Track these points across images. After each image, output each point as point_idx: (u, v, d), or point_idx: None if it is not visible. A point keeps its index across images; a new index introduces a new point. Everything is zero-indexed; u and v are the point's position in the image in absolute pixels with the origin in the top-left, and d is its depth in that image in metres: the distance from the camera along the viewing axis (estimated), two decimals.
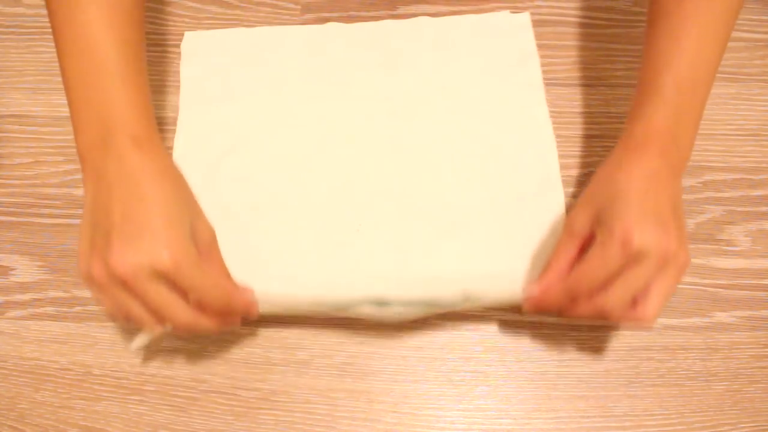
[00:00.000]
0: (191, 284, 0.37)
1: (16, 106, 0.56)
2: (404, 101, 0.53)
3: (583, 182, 0.51)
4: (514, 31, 0.56)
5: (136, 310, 0.38)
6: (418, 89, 0.53)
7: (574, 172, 0.52)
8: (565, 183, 0.51)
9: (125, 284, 0.36)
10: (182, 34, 0.58)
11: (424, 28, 0.57)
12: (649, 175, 0.40)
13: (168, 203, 0.38)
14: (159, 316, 0.38)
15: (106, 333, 0.48)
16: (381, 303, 0.44)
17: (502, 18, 0.56)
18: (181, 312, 0.38)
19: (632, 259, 0.37)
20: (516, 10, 0.57)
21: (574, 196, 0.51)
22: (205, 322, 0.39)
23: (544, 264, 0.44)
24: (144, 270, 0.36)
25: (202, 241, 0.40)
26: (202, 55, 0.56)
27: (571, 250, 0.41)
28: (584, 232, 0.41)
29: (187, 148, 0.52)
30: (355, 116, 0.52)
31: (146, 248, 0.36)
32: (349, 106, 0.53)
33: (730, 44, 0.56)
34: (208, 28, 0.58)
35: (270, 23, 0.58)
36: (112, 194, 0.38)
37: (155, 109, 0.55)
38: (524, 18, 0.56)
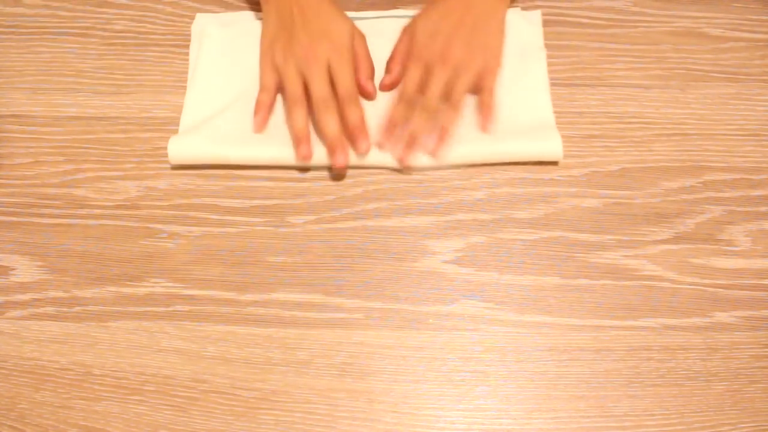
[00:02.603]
0: (343, 75, 0.51)
1: (16, 106, 0.56)
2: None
3: (583, 182, 0.51)
4: (524, 26, 0.57)
5: (293, 84, 0.51)
6: None
7: (575, 172, 0.52)
8: (565, 183, 0.51)
9: (305, 59, 0.51)
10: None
11: None
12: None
13: (337, 17, 0.53)
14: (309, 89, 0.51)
15: (106, 333, 0.48)
16: None
17: (512, 14, 0.57)
18: (327, 89, 0.51)
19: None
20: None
21: (575, 196, 0.51)
22: (334, 116, 0.51)
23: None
24: (320, 58, 0.51)
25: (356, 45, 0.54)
26: (211, 25, 0.59)
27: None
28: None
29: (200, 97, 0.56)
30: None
31: (325, 45, 0.51)
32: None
33: (730, 44, 0.56)
34: None
35: None
36: (293, 10, 0.53)
37: (155, 110, 0.56)
38: (535, 16, 0.57)
